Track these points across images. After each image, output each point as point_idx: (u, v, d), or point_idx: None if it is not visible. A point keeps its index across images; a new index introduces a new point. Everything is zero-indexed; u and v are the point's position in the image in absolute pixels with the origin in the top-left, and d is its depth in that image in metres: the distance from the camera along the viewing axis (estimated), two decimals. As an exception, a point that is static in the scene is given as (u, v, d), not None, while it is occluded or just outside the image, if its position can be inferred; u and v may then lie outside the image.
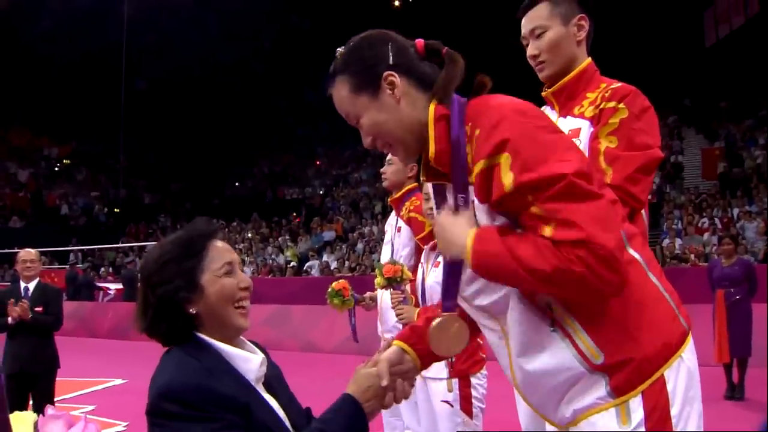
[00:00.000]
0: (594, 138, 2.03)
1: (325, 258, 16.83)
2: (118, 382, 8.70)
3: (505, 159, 1.37)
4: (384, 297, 3.77)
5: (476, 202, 1.48)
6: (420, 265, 3.29)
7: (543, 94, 2.22)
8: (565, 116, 2.16)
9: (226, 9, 22.83)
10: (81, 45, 23.84)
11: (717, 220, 15.01)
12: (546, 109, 2.20)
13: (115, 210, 26.59)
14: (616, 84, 2.08)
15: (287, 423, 1.60)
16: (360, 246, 17.40)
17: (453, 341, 1.60)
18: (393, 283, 3.32)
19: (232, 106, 26.59)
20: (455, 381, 3.11)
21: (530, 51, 2.16)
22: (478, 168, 1.41)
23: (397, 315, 3.33)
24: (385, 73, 1.53)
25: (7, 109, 25.98)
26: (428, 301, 3.17)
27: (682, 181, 18.81)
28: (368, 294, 4.05)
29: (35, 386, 5.12)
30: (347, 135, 27.40)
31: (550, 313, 1.44)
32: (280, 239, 19.48)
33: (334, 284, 3.90)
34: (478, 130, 1.42)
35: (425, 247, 3.35)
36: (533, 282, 1.36)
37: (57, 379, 5.33)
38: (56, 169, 28.61)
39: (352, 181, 24.27)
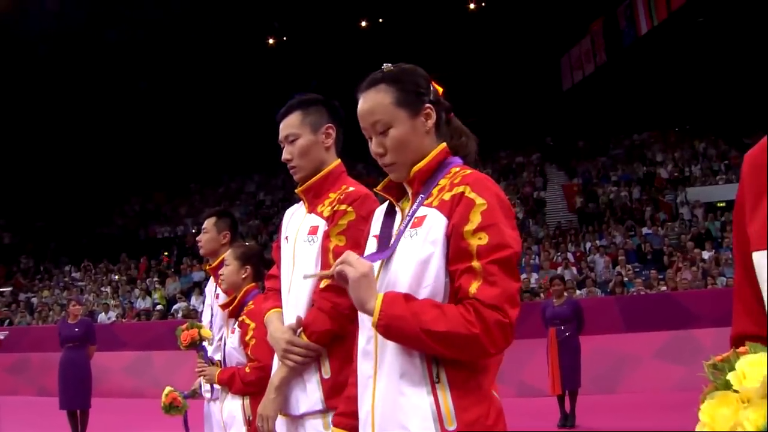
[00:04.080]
0: (326, 237, 2.29)
1: (192, 300, 16.52)
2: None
3: (480, 204, 1.60)
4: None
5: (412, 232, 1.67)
6: (221, 330, 3.49)
7: (296, 191, 2.45)
8: (310, 212, 2.40)
9: (109, 44, 22.23)
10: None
11: (570, 255, 15.93)
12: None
13: (-28, 251, 24.96)
14: (350, 188, 2.35)
15: None
16: (231, 286, 17.16)
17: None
18: (195, 346, 3.49)
19: (102, 140, 25.75)
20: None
21: (284, 155, 2.40)
22: (454, 191, 1.64)
23: (200, 374, 3.51)
24: (428, 105, 1.76)
25: None
26: (228, 363, 3.39)
27: (545, 216, 19.86)
28: (195, 383, 4.21)
29: None
30: (221, 171, 27.25)
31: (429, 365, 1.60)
32: (147, 281, 18.94)
33: (163, 398, 4.05)
34: (470, 187, 1.64)
35: (224, 312, 3.51)
36: (430, 343, 1.55)
37: None
38: None
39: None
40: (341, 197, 2.31)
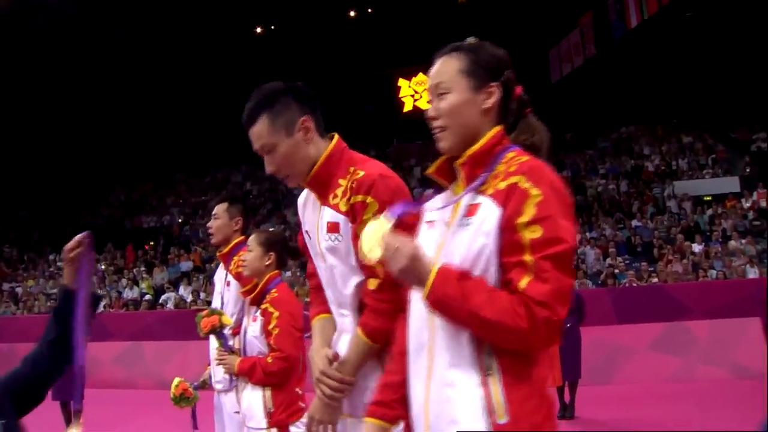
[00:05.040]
0: (355, 237, 2.07)
1: (181, 290, 16.39)
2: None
3: (535, 196, 1.56)
4: (212, 349, 3.83)
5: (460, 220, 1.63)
6: (243, 319, 3.41)
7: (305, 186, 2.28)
8: (324, 204, 2.20)
9: (94, 33, 21.93)
10: None
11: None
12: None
13: (-47, 240, 24.60)
14: (360, 172, 2.12)
15: None
16: (218, 276, 17.07)
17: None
18: (214, 333, 3.41)
19: (86, 130, 25.44)
20: (274, 431, 3.19)
21: (267, 167, 2.20)
22: (509, 181, 1.59)
23: (219, 363, 3.42)
24: (494, 84, 1.71)
25: None
26: (248, 352, 3.30)
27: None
28: (205, 374, 4.12)
29: None
30: (207, 161, 27.00)
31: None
32: (135, 270, 18.77)
33: (173, 390, 3.96)
34: (525, 177, 1.59)
35: (246, 299, 3.44)
36: (476, 327, 1.54)
37: None
38: None
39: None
40: (353, 185, 2.10)
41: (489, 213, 1.60)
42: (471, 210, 1.63)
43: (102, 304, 16.25)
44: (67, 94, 24.48)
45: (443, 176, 1.79)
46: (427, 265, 1.59)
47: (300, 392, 3.23)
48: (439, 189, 1.87)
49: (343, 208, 2.12)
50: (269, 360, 3.18)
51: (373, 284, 2.06)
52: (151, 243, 21.45)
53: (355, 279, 2.13)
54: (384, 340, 2.05)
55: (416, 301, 1.71)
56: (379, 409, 1.81)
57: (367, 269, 2.06)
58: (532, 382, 1.58)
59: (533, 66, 22.96)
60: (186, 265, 18.53)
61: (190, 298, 15.55)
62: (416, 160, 22.69)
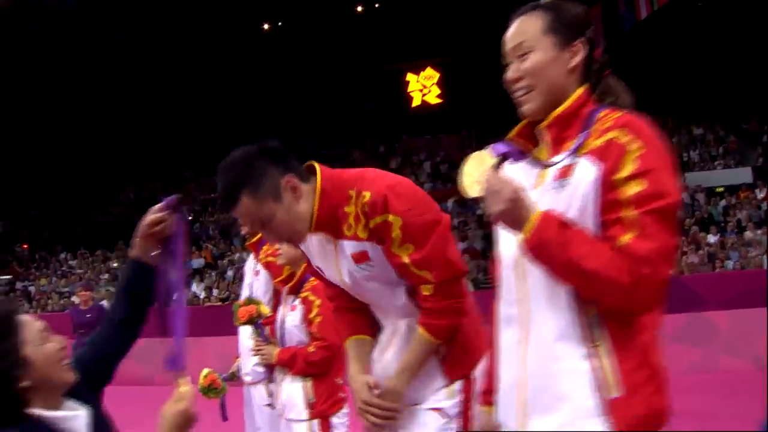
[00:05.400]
0: (392, 255, 2.03)
1: (193, 287, 16.41)
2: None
3: (635, 150, 1.47)
4: (242, 340, 3.80)
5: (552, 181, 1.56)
6: (279, 308, 3.36)
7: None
8: (339, 239, 2.08)
9: (101, 31, 21.92)
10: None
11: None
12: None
13: (-37, 240, 24.67)
14: (365, 192, 2.02)
15: None
16: (230, 273, 17.08)
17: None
18: (252, 323, 3.37)
19: (95, 129, 25.46)
20: (316, 422, 3.15)
21: (268, 240, 2.23)
22: (605, 137, 1.50)
23: (257, 354, 3.39)
24: (579, 41, 1.62)
25: None
26: (287, 342, 3.26)
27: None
28: (233, 366, 4.10)
29: None
30: (215, 159, 26.86)
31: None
32: (147, 268, 18.79)
33: (201, 381, 3.91)
34: (624, 131, 1.51)
35: (283, 289, 3.39)
36: (574, 278, 1.45)
37: None
38: None
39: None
40: (365, 210, 1.98)
41: (586, 172, 1.50)
42: (564, 172, 1.55)
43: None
44: (75, 94, 24.50)
45: (523, 140, 1.69)
46: (528, 209, 1.49)
47: (341, 382, 3.18)
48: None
49: (363, 235, 2.01)
50: (311, 349, 3.13)
51: (427, 290, 2.03)
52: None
53: (402, 289, 2.11)
54: (446, 336, 2.06)
55: (506, 268, 1.65)
56: (490, 397, 1.77)
57: (413, 278, 2.03)
58: (641, 351, 1.49)
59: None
60: (197, 262, 18.54)
61: (203, 295, 15.57)
62: (425, 154, 22.64)
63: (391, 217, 1.96)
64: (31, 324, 1.64)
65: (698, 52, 21.33)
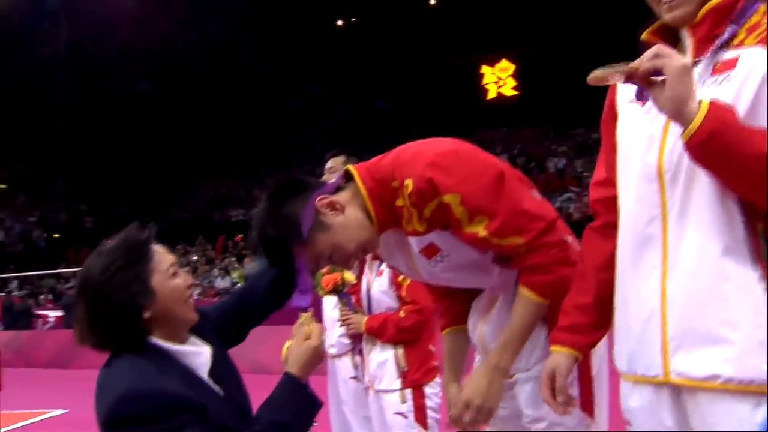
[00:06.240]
0: (463, 235, 1.78)
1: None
2: (59, 412, 8.34)
3: None
4: (326, 311, 3.70)
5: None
6: (364, 275, 3.24)
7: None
8: (407, 236, 1.88)
9: (170, 32, 22.53)
10: (16, 66, 23.19)
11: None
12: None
13: (55, 235, 25.75)
14: (407, 181, 1.77)
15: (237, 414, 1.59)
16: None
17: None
18: (337, 292, 3.26)
19: (175, 128, 26.17)
20: (408, 392, 3.04)
21: (345, 268, 2.15)
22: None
23: (344, 324, 3.28)
24: None
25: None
26: (375, 310, 3.14)
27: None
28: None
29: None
30: (292, 154, 27.28)
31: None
32: (226, 261, 19.17)
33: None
34: None
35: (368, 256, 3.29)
36: (755, 177, 1.22)
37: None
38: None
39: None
40: (413, 201, 1.74)
41: (756, 60, 1.29)
42: (723, 67, 1.34)
43: (196, 293, 16.65)
44: (156, 94, 25.25)
45: (661, 39, 1.48)
46: (695, 91, 1.28)
47: (433, 349, 3.06)
48: None
49: (421, 228, 1.78)
50: (402, 314, 2.98)
51: (522, 252, 1.78)
52: (241, 235, 21.87)
53: (491, 262, 1.89)
54: (554, 292, 1.77)
55: (644, 181, 1.43)
56: (571, 336, 1.57)
57: (501, 249, 1.79)
58: None
59: (620, 51, 22.23)
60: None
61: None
62: (501, 147, 22.30)
63: (446, 198, 1.71)
64: (163, 255, 1.64)
65: None
